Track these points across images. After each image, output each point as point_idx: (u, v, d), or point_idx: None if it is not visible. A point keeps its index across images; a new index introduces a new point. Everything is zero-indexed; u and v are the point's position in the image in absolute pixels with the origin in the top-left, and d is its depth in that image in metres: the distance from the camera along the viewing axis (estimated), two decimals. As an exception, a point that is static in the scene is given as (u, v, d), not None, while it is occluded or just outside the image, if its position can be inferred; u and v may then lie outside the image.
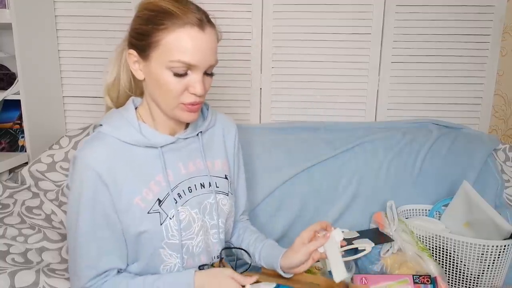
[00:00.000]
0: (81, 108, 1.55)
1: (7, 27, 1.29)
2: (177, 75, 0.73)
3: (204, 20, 0.74)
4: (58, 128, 1.51)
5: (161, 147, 0.81)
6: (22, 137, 1.41)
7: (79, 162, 0.76)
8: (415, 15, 1.47)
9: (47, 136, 1.43)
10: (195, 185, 0.85)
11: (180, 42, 0.72)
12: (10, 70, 1.47)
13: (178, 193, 0.82)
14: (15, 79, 1.34)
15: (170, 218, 0.79)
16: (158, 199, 0.79)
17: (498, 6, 1.45)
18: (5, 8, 1.25)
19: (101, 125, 0.81)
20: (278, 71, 1.52)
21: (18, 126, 1.43)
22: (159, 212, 0.79)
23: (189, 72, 0.74)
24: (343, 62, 1.51)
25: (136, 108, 0.84)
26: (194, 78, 0.75)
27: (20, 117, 1.40)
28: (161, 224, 0.78)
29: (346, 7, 1.47)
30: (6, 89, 1.35)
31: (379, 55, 1.50)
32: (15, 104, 1.41)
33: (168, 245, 0.80)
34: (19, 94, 1.31)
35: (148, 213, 0.78)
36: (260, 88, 1.53)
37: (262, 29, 1.48)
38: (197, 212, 0.83)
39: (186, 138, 0.86)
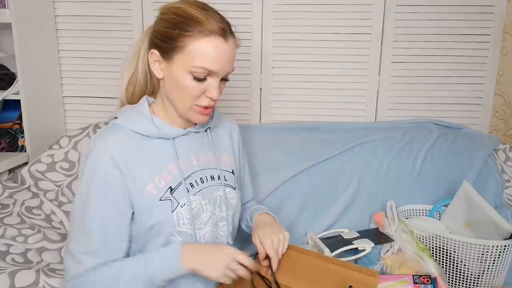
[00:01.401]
0: (81, 108, 1.55)
1: (7, 27, 1.29)
2: (197, 79, 0.77)
3: (227, 31, 0.78)
4: (58, 128, 1.51)
5: (172, 138, 0.85)
6: (22, 137, 1.41)
7: (95, 148, 0.78)
8: (415, 15, 1.47)
9: (47, 136, 1.43)
10: (206, 176, 0.88)
11: (204, 50, 0.75)
12: (10, 70, 1.47)
13: (191, 183, 0.84)
14: (15, 79, 1.34)
15: (181, 206, 0.81)
16: (170, 187, 0.81)
17: (498, 6, 1.45)
18: (5, 8, 1.25)
19: (115, 118, 0.84)
20: (278, 71, 1.52)
21: (18, 126, 1.43)
22: (171, 200, 0.81)
23: (208, 77, 0.78)
24: (343, 62, 1.51)
25: (149, 105, 0.88)
26: (212, 83, 0.79)
27: (20, 117, 1.40)
28: (172, 212, 0.80)
29: (346, 7, 1.47)
30: (6, 89, 1.35)
31: (379, 55, 1.50)
32: (15, 104, 1.41)
33: (179, 233, 0.82)
34: (19, 94, 1.31)
35: (160, 200, 0.80)
36: (260, 88, 1.53)
37: (262, 29, 1.48)
38: (207, 203, 0.86)
39: (197, 132, 0.90)
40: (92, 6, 1.47)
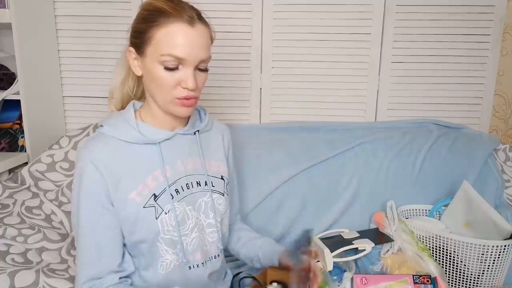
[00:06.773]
0: (81, 108, 1.55)
1: (7, 27, 1.29)
2: (168, 69, 0.77)
3: (194, 17, 0.78)
4: (58, 128, 1.51)
5: (159, 143, 0.84)
6: (22, 137, 1.41)
7: (80, 159, 0.80)
8: (415, 15, 1.47)
9: (47, 136, 1.43)
10: (191, 182, 0.88)
11: (170, 37, 0.76)
12: (10, 70, 1.47)
13: (176, 189, 0.84)
14: (15, 79, 1.34)
15: (166, 213, 0.81)
16: (154, 194, 0.82)
17: (498, 6, 1.45)
18: (5, 8, 1.25)
19: (101, 126, 0.85)
20: (278, 71, 1.52)
21: (18, 126, 1.43)
22: (154, 207, 0.81)
23: (180, 67, 0.78)
24: (343, 62, 1.51)
25: (136, 110, 0.88)
26: (185, 73, 0.78)
27: (20, 117, 1.40)
28: (156, 218, 0.81)
29: (346, 7, 1.46)
30: (6, 89, 1.35)
31: (379, 55, 1.50)
32: (15, 104, 1.41)
33: (164, 240, 0.82)
34: (19, 94, 1.31)
35: (143, 207, 0.80)
36: (260, 88, 1.53)
37: (262, 29, 1.48)
38: (191, 209, 0.86)
39: (184, 134, 0.89)
40: (92, 6, 1.47)
